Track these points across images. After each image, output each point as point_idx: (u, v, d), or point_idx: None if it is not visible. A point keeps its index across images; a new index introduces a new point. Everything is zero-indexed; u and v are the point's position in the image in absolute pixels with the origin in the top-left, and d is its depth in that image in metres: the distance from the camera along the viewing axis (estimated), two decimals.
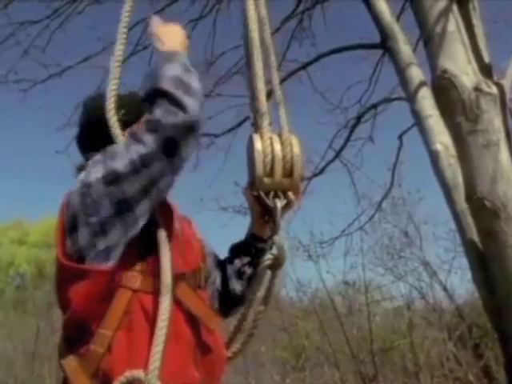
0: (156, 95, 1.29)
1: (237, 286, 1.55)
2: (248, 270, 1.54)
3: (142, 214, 1.29)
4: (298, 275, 9.19)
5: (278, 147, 1.38)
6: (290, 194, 1.40)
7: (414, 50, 4.47)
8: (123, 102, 1.46)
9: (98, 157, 1.36)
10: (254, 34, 1.52)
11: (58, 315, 1.45)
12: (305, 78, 5.64)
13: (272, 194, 1.38)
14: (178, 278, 1.32)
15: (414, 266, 9.03)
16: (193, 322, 1.35)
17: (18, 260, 24.20)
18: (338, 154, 5.66)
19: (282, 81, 5.43)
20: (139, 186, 1.26)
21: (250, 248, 1.55)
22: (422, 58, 3.94)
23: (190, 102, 1.27)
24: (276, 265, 1.41)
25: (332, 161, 5.66)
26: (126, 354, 1.26)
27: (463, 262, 7.33)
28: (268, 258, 1.39)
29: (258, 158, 1.36)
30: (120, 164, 1.26)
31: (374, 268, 8.83)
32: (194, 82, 1.33)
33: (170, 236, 1.34)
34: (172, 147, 1.25)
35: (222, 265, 1.60)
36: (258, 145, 1.39)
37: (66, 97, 7.56)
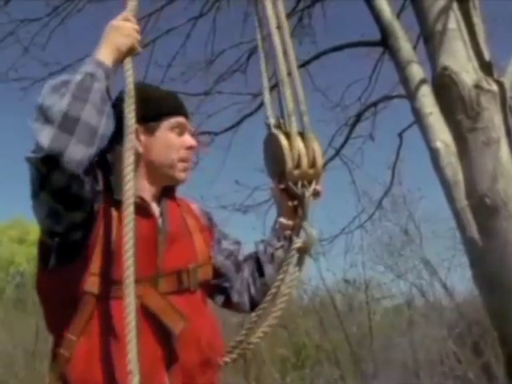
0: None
1: (270, 269, 1.56)
2: (280, 254, 1.57)
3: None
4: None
5: (300, 142, 1.55)
6: (315, 184, 1.56)
7: (415, 48, 4.47)
8: None
9: None
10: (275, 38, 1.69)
11: None
12: (305, 75, 5.62)
13: (300, 184, 1.53)
14: (143, 280, 1.30)
15: (414, 264, 9.07)
16: (160, 328, 1.30)
17: (18, 258, 24.19)
18: (338, 152, 5.65)
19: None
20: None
21: (280, 236, 1.59)
22: (422, 56, 3.95)
23: (43, 134, 1.18)
24: (305, 248, 1.55)
25: (332, 159, 5.66)
26: (84, 360, 1.26)
27: (463, 259, 7.35)
28: (298, 241, 1.52)
29: (287, 153, 1.52)
30: None
31: (374, 266, 8.87)
32: (59, 105, 1.19)
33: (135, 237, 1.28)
34: (40, 180, 1.24)
35: (252, 256, 1.60)
36: (284, 141, 1.54)
37: None
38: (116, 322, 1.26)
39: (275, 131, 1.57)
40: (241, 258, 1.59)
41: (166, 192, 1.47)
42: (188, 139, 1.45)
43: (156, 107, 1.42)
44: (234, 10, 5.67)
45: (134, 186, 1.29)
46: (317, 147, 1.57)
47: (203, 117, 5.70)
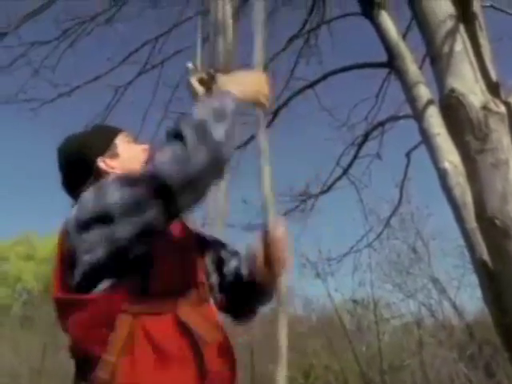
0: (173, 135, 1.27)
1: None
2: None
3: (134, 252, 1.29)
4: (306, 293, 9.15)
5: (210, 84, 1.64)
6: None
7: (421, 67, 4.50)
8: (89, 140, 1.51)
9: (88, 193, 1.35)
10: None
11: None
12: (312, 95, 5.67)
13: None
14: (178, 295, 1.34)
15: (423, 283, 8.98)
16: (195, 343, 1.32)
17: (26, 275, 24.24)
18: (345, 172, 5.66)
19: (289, 99, 5.47)
20: (127, 222, 1.25)
21: None
22: (428, 75, 3.96)
23: (198, 155, 1.24)
24: None
25: (339, 178, 5.65)
26: (129, 379, 1.25)
27: (473, 278, 7.28)
28: None
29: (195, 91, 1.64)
30: (112, 202, 1.26)
31: (382, 285, 8.78)
32: (218, 133, 1.26)
33: (168, 253, 1.36)
34: (167, 195, 1.22)
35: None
36: (196, 83, 1.66)
37: (75, 115, 7.64)
38: (159, 340, 1.26)
39: (191, 77, 1.65)
40: None
41: None
42: (141, 145, 1.57)
43: (102, 136, 1.52)
44: (241, 32, 5.72)
45: None
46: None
47: None
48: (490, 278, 3.44)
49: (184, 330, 1.31)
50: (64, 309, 1.36)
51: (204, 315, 1.38)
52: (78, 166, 1.47)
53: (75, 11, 5.57)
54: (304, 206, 6.09)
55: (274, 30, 5.95)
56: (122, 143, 1.52)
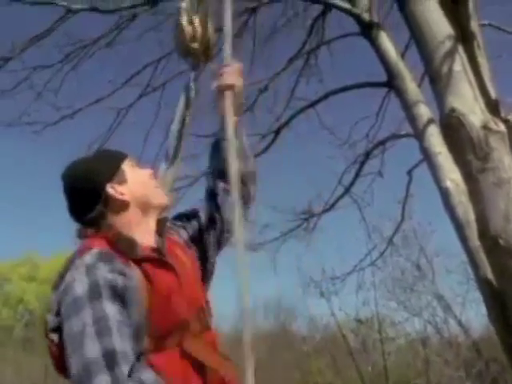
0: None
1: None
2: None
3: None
4: (310, 312, 9.09)
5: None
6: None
7: (420, 85, 4.52)
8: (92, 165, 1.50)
9: (79, 271, 1.31)
10: None
11: None
12: (313, 114, 5.70)
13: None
14: (182, 328, 1.33)
15: (428, 300, 8.91)
16: (203, 373, 1.32)
17: (28, 296, 24.15)
18: (347, 190, 5.66)
19: (291, 118, 5.50)
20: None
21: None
22: (427, 93, 3.98)
23: None
24: None
25: (342, 196, 5.66)
26: None
27: (477, 294, 7.22)
28: None
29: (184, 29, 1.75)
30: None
31: (386, 303, 8.72)
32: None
33: (170, 289, 1.35)
34: None
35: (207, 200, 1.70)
36: (185, 22, 1.76)
37: (78, 137, 7.68)
38: (167, 372, 1.26)
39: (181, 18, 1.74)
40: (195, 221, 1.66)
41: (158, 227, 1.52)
42: (147, 169, 1.58)
43: (109, 162, 1.51)
44: (242, 52, 5.79)
45: (141, 235, 1.40)
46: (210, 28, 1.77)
47: None
48: (494, 297, 3.42)
49: (191, 360, 1.31)
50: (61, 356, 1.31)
51: (208, 342, 1.39)
52: (86, 192, 1.45)
53: (77, 35, 5.65)
54: (307, 225, 6.10)
55: (274, 50, 6.04)
56: (128, 168, 1.52)
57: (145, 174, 1.54)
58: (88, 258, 1.31)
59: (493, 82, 3.97)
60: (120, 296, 1.26)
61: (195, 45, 1.75)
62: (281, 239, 6.18)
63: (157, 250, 1.42)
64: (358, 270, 6.46)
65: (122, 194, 1.45)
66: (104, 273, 1.27)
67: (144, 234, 1.44)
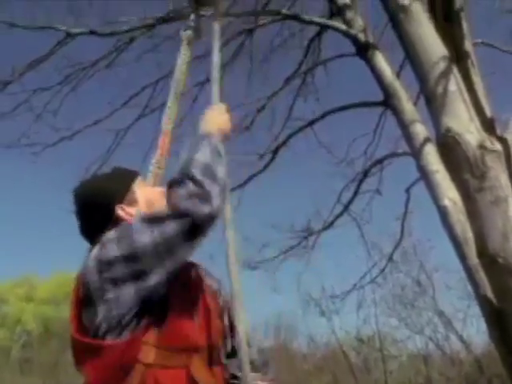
0: (186, 178, 1.35)
1: None
2: None
3: (157, 284, 1.32)
4: (310, 330, 9.03)
5: None
6: None
7: (416, 103, 4.56)
8: (105, 184, 1.52)
9: (112, 234, 1.38)
10: None
11: (64, 375, 1.46)
12: (310, 133, 5.74)
13: None
14: (192, 351, 1.33)
15: (429, 316, 8.87)
16: None
17: (25, 317, 23.94)
18: (346, 208, 5.68)
19: (289, 138, 5.54)
20: (159, 265, 1.30)
21: None
22: (424, 111, 4.00)
23: (215, 193, 1.34)
24: None
25: (341, 214, 5.67)
26: None
27: (478, 310, 7.16)
28: None
29: None
30: (141, 243, 1.30)
31: (387, 320, 8.67)
32: (220, 171, 1.41)
33: (193, 306, 1.38)
34: (195, 232, 1.30)
35: None
36: None
37: (77, 157, 7.71)
38: None
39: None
40: None
41: None
42: (158, 188, 1.60)
43: (120, 182, 1.54)
44: (239, 72, 5.86)
45: None
46: None
47: None
48: (494, 316, 3.42)
49: None
50: (81, 351, 1.36)
51: (215, 376, 1.38)
52: (97, 212, 1.47)
53: (76, 57, 5.71)
54: (306, 243, 6.10)
55: (271, 70, 6.11)
56: (139, 188, 1.53)
57: (155, 192, 1.55)
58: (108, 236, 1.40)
59: (488, 100, 4.02)
60: None
61: None
62: (280, 257, 6.17)
63: None
64: (358, 288, 6.44)
65: (131, 216, 1.46)
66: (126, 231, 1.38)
67: None
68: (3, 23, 5.18)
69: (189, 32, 1.80)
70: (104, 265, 1.32)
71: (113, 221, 1.45)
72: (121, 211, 1.46)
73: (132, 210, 1.48)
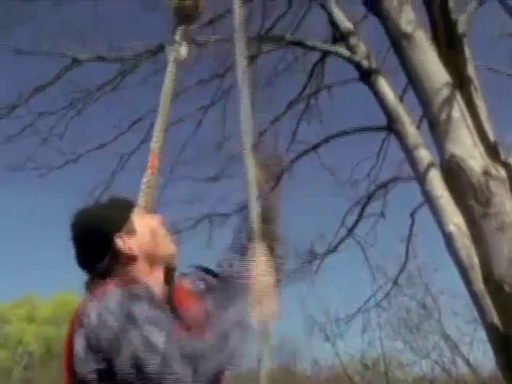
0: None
1: None
2: None
3: None
4: (314, 353, 8.93)
5: None
6: None
7: (419, 127, 4.58)
8: (103, 213, 1.50)
9: (116, 307, 1.29)
10: None
11: None
12: (314, 156, 5.76)
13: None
14: None
15: (434, 340, 8.76)
16: None
17: (27, 338, 23.80)
18: (350, 232, 5.67)
19: (293, 162, 5.55)
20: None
21: None
22: (427, 134, 4.00)
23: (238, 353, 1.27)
24: None
25: (345, 238, 5.66)
26: None
27: (485, 334, 7.07)
28: None
29: None
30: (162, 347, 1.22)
31: (392, 343, 8.57)
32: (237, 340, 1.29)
33: None
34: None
35: None
36: None
37: (82, 180, 7.74)
38: None
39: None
40: None
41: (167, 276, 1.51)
42: (156, 217, 1.55)
43: (119, 211, 1.51)
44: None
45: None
46: None
47: (215, 200, 5.80)
48: (501, 342, 3.39)
49: None
50: None
51: None
52: (95, 242, 1.44)
53: (81, 81, 5.77)
54: (310, 267, 6.07)
55: (275, 94, 6.14)
56: (138, 218, 1.51)
57: (153, 222, 1.53)
58: (111, 295, 1.30)
59: (491, 124, 4.04)
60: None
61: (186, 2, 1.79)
62: (284, 281, 6.14)
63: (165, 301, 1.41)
64: (362, 312, 6.38)
65: (130, 247, 1.44)
66: (131, 302, 1.27)
67: (152, 285, 1.43)
68: (11, 49, 5.27)
69: (175, 48, 1.79)
70: (98, 345, 1.25)
71: (111, 252, 1.43)
72: (120, 241, 1.44)
73: (131, 241, 1.46)
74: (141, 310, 1.25)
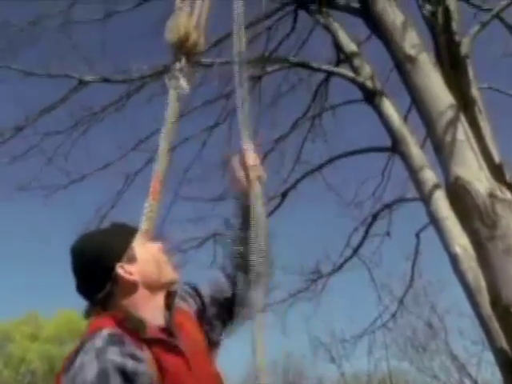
0: None
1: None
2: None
3: None
4: (320, 373, 8.81)
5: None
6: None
7: (423, 146, 4.58)
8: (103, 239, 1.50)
9: (96, 351, 1.30)
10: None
11: None
12: (319, 176, 5.76)
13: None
14: None
15: (441, 360, 8.64)
16: None
17: (30, 356, 23.64)
18: (355, 252, 5.64)
19: (297, 182, 5.56)
20: None
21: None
22: (431, 154, 4.00)
23: None
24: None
25: (350, 258, 5.63)
26: None
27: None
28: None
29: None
30: None
31: (399, 363, 8.46)
32: None
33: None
34: None
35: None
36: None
37: (87, 200, 7.75)
38: None
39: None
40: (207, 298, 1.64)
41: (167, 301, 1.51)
42: (156, 244, 1.55)
43: (120, 239, 1.50)
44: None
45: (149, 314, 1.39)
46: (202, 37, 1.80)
47: (219, 220, 5.79)
48: (509, 366, 3.34)
49: None
50: None
51: None
52: (96, 271, 1.45)
53: (87, 102, 5.81)
54: (315, 286, 6.03)
55: (280, 113, 6.17)
56: (138, 245, 1.50)
57: (154, 249, 1.53)
58: (98, 341, 1.29)
59: (496, 144, 4.03)
60: (130, 381, 1.25)
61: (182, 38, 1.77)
62: (289, 300, 6.10)
63: (166, 329, 1.40)
64: (368, 333, 6.32)
65: (131, 275, 1.44)
66: (114, 356, 1.26)
67: (153, 312, 1.43)
68: (19, 71, 5.33)
69: (174, 81, 1.80)
70: None
71: (111, 280, 1.43)
72: (121, 270, 1.43)
73: (132, 269, 1.45)
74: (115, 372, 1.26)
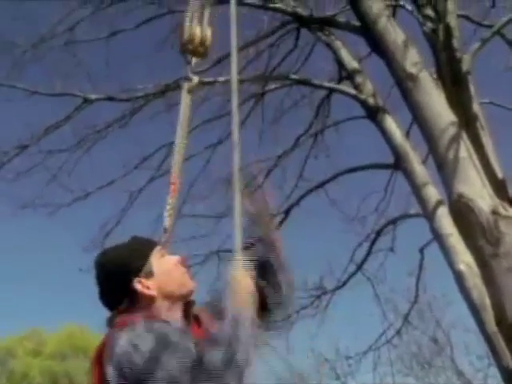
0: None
1: None
2: None
3: None
4: None
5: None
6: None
7: (425, 161, 4.58)
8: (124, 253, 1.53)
9: (146, 337, 1.34)
10: None
11: None
12: (322, 192, 5.76)
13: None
14: None
15: (448, 376, 8.54)
16: None
17: (33, 372, 23.50)
18: (359, 268, 5.62)
19: (301, 198, 5.57)
20: None
21: None
22: (434, 170, 3.99)
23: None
24: None
25: (354, 274, 5.61)
26: None
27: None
28: None
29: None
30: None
31: (404, 380, 8.37)
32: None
33: None
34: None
35: None
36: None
37: (91, 217, 7.76)
38: None
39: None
40: None
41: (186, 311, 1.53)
42: (175, 256, 1.58)
43: (138, 254, 1.54)
44: (251, 131, 5.95)
45: None
46: (209, 33, 1.94)
47: (224, 236, 5.78)
48: None
49: None
50: None
51: None
52: (116, 284, 1.49)
53: (91, 119, 5.84)
54: (319, 303, 6.00)
55: (282, 129, 6.19)
56: (156, 260, 1.54)
57: (172, 262, 1.56)
58: (138, 325, 1.35)
59: (498, 160, 4.03)
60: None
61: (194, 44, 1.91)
62: (293, 317, 6.07)
63: None
64: (373, 350, 6.27)
65: (148, 289, 1.48)
66: (162, 326, 1.35)
67: (171, 321, 1.45)
68: (24, 90, 5.38)
69: (188, 82, 1.88)
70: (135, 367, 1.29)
71: (130, 294, 1.46)
72: (138, 285, 1.47)
73: (150, 283, 1.49)
74: (169, 333, 1.32)
